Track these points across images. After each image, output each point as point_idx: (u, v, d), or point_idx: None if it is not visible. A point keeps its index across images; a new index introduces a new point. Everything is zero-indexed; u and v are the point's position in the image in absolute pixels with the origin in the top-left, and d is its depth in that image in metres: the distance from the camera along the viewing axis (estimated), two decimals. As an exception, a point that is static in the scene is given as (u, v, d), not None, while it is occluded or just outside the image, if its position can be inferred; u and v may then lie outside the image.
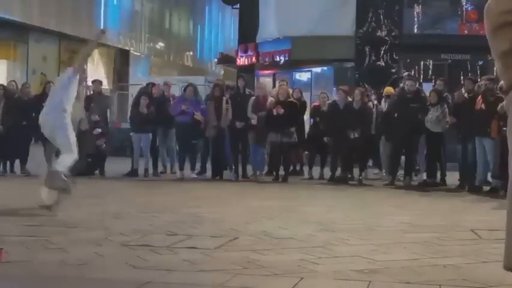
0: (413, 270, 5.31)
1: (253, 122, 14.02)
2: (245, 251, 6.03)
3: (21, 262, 5.46)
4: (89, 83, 14.37)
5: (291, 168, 15.32)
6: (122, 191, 12.08)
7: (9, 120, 13.90)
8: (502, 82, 3.14)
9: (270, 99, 14.31)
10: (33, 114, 14.24)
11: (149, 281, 4.82)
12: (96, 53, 33.11)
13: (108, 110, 15.57)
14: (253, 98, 14.41)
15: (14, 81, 15.68)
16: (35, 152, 14.56)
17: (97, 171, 14.41)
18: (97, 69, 33.06)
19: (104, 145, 14.34)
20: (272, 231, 7.15)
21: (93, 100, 14.84)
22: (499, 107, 3.27)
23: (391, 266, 5.46)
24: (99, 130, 14.25)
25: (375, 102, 14.76)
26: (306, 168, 15.22)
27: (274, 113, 13.65)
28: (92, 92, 15.59)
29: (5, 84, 15.63)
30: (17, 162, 14.32)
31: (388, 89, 15.13)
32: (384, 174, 14.28)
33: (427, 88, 15.64)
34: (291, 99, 14.31)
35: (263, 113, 13.92)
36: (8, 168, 14.27)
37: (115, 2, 34.55)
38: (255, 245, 6.31)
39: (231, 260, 5.61)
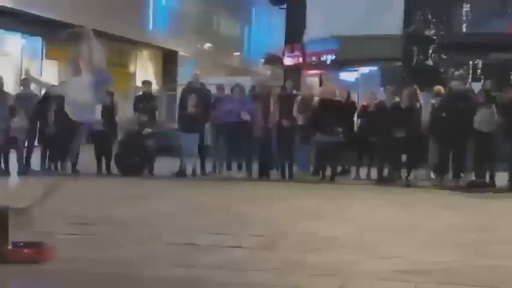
0: (458, 272, 5.30)
1: (300, 121, 14.03)
2: (290, 251, 6.08)
3: (71, 260, 5.58)
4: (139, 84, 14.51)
5: (340, 168, 15.27)
6: (170, 190, 12.20)
7: (60, 120, 14.13)
8: None
9: (316, 99, 14.31)
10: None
11: (196, 279, 4.91)
12: (144, 55, 33.46)
13: (157, 111, 15.71)
14: (300, 97, 14.43)
15: (65, 81, 15.89)
16: (85, 152, 14.79)
17: (146, 171, 14.57)
18: (146, 70, 33.41)
19: (153, 145, 14.49)
20: (318, 232, 7.19)
21: (142, 101, 15.00)
22: None
23: (436, 267, 5.45)
24: (149, 130, 14.41)
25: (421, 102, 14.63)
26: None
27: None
28: (141, 93, 15.77)
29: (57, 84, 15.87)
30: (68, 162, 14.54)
31: (438, 88, 15.01)
32: (432, 175, 14.15)
33: (476, 88, 15.44)
34: (337, 98, 14.28)
35: (309, 113, 13.93)
36: (58, 167, 14.51)
37: (163, 3, 34.86)
38: (300, 245, 6.36)
39: (276, 259, 5.67)
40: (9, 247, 5.54)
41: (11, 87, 15.93)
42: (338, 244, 6.49)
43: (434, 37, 21.87)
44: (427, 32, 21.94)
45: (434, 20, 21.83)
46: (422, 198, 11.43)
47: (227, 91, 15.42)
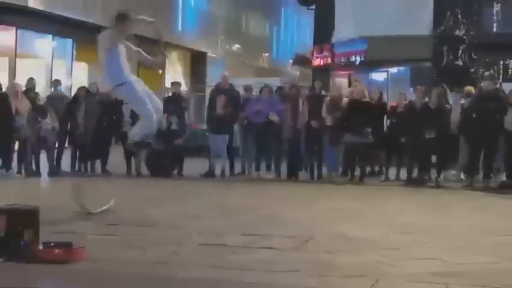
0: (490, 273, 5.26)
1: (328, 122, 13.99)
2: (320, 252, 6.07)
3: (101, 260, 5.62)
4: (168, 85, 14.56)
5: (369, 169, 15.18)
6: (199, 191, 12.23)
7: (90, 121, 14.25)
8: None
9: (345, 99, 14.27)
10: (114, 117, 14.62)
11: (226, 280, 4.92)
12: (173, 56, 33.58)
13: (186, 111, 15.76)
14: (328, 98, 14.40)
15: (95, 83, 16.04)
16: (115, 152, 14.88)
17: (175, 172, 14.63)
18: (175, 71, 33.55)
19: (182, 144, 14.52)
20: (347, 233, 7.16)
21: (172, 102, 15.05)
22: None
23: (467, 268, 5.41)
24: (176, 129, 14.46)
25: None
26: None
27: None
28: (170, 94, 15.83)
29: (87, 86, 16.00)
30: (98, 162, 14.63)
31: (469, 88, 14.89)
32: (462, 176, 14.04)
33: (507, 88, 15.29)
34: (367, 99, 14.23)
35: (338, 113, 13.89)
36: (89, 168, 14.59)
37: (192, 5, 34.98)
38: (330, 246, 6.34)
39: (307, 260, 5.66)
40: (40, 247, 5.59)
41: (41, 88, 16.08)
42: (368, 245, 6.46)
43: (465, 37, 21.69)
44: (457, 32, 21.76)
45: (464, 20, 21.65)
46: (452, 200, 11.34)
47: (256, 92, 15.45)
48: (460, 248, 6.36)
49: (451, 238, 7.03)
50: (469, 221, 8.46)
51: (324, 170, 14.28)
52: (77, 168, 14.51)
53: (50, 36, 25.05)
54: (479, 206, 10.40)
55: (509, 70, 22.47)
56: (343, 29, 25.74)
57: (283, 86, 17.05)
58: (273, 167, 14.51)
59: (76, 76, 25.94)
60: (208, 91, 19.87)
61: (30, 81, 14.81)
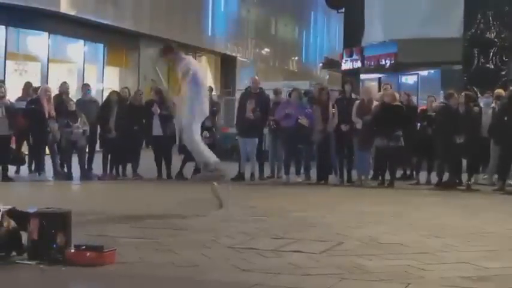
0: (523, 278, 5.21)
1: (358, 126, 13.94)
2: (351, 255, 6.06)
3: (133, 263, 5.67)
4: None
5: (402, 172, 15.09)
6: (229, 194, 12.24)
7: (121, 125, 14.34)
8: None
9: (375, 103, 14.20)
10: (144, 121, 14.70)
11: (256, 284, 4.93)
12: (203, 60, 33.74)
13: (216, 115, 15.81)
14: (358, 102, 14.34)
15: (126, 87, 16.15)
16: (146, 156, 14.97)
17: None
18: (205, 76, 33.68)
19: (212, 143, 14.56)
20: (378, 237, 7.14)
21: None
22: None
23: (500, 273, 5.37)
24: (207, 134, 14.50)
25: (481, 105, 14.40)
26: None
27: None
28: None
29: (118, 90, 16.13)
30: (129, 166, 14.72)
31: (499, 91, 14.77)
32: (493, 179, 13.92)
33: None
34: (397, 102, 14.16)
35: (368, 117, 13.83)
36: (120, 172, 14.68)
37: (222, 9, 35.11)
38: (361, 250, 6.33)
39: (337, 264, 5.65)
40: (72, 250, 5.65)
41: (73, 93, 16.26)
42: (399, 249, 6.44)
43: (496, 39, 21.50)
44: (488, 34, 21.58)
45: (495, 22, 21.47)
46: (483, 203, 11.25)
47: (285, 95, 15.45)
48: (491, 253, 6.31)
49: (482, 242, 6.97)
50: (500, 225, 8.38)
51: (354, 173, 14.24)
52: (108, 172, 14.58)
53: (82, 41, 25.31)
54: (510, 210, 10.30)
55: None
56: (373, 32, 25.68)
57: (311, 89, 17.03)
58: (302, 170, 14.50)
59: (107, 81, 26.17)
60: (238, 94, 19.92)
61: (64, 85, 15.00)
